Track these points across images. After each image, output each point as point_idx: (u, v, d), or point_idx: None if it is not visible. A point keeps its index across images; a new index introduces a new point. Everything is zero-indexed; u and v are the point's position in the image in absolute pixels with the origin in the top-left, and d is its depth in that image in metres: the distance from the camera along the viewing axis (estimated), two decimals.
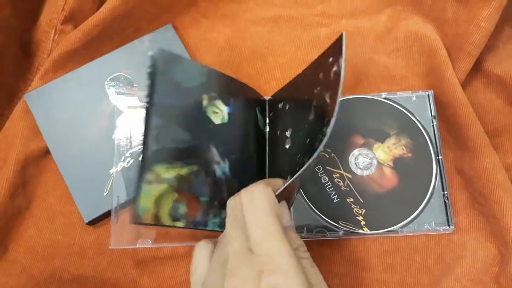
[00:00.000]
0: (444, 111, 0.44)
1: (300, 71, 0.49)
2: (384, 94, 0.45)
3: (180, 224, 0.34)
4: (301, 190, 0.43)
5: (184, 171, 0.35)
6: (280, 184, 0.33)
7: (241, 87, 0.42)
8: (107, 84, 0.47)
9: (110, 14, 0.47)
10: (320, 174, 0.43)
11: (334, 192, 0.43)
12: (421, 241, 0.42)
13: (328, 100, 0.33)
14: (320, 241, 0.42)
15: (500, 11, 0.43)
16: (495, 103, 0.45)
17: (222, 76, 0.40)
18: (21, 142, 0.45)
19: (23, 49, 0.50)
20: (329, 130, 0.30)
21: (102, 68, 0.47)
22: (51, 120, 0.45)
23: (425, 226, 0.41)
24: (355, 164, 0.44)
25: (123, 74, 0.47)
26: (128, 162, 0.43)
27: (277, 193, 0.31)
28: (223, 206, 0.37)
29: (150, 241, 0.41)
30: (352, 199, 0.42)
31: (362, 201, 0.42)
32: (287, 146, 0.39)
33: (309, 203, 0.42)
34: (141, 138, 0.34)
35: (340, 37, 0.33)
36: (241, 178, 0.39)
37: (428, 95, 0.45)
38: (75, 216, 0.44)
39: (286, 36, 0.50)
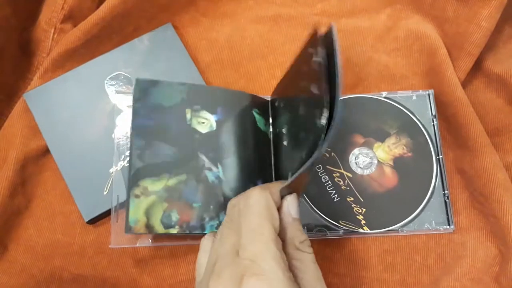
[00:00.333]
0: (444, 110, 0.44)
1: None
2: (384, 94, 0.45)
3: (173, 230, 0.37)
4: None
5: (172, 181, 0.38)
6: (278, 186, 0.32)
7: (229, 93, 0.42)
8: (106, 83, 0.47)
9: (110, 13, 0.46)
10: (320, 174, 0.43)
11: (334, 191, 0.43)
12: (421, 240, 0.42)
13: (316, 92, 0.32)
14: (320, 240, 0.42)
15: (501, 10, 0.43)
16: (496, 102, 0.45)
17: (203, 88, 0.43)
18: (21, 141, 0.45)
19: (23, 48, 0.50)
20: (332, 130, 0.29)
21: (102, 67, 0.47)
22: (50, 119, 0.45)
23: (425, 226, 0.41)
24: (356, 163, 0.43)
25: (123, 73, 0.47)
26: (128, 161, 0.43)
27: (285, 184, 0.31)
28: (221, 208, 0.38)
29: (150, 240, 0.41)
30: (352, 198, 0.42)
31: (362, 200, 0.42)
32: (285, 143, 0.39)
33: (309, 202, 0.42)
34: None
35: (314, 28, 0.33)
36: (240, 180, 0.40)
37: (429, 94, 0.45)
38: (75, 215, 0.44)
39: (286, 35, 0.50)
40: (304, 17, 0.51)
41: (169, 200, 0.37)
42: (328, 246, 0.42)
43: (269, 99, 0.44)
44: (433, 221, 0.41)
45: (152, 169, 0.38)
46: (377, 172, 0.43)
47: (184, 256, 0.43)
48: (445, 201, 0.42)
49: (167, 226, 0.37)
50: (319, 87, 0.32)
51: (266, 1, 0.51)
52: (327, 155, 0.44)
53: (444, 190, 0.42)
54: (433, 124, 0.44)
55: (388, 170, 0.43)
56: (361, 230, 0.41)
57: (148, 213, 0.37)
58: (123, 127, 0.44)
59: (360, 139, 0.44)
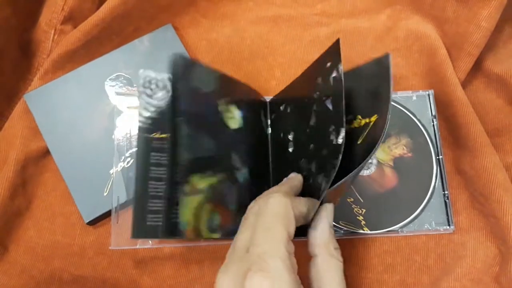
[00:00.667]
0: (444, 110, 0.44)
1: (300, 70, 0.49)
2: None
3: (216, 235, 0.33)
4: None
5: (214, 180, 0.34)
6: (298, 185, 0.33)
7: (247, 90, 0.42)
8: (106, 84, 0.47)
9: (110, 14, 0.47)
10: None
11: None
12: (421, 241, 0.42)
13: (330, 107, 0.33)
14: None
15: (501, 10, 0.43)
16: (496, 102, 0.45)
17: (232, 80, 0.40)
18: (21, 142, 0.45)
19: (23, 49, 0.50)
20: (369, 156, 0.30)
21: (102, 68, 0.47)
22: (51, 120, 0.45)
23: (425, 226, 0.41)
24: None
25: (123, 74, 0.47)
26: (128, 162, 0.43)
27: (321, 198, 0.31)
28: None
29: (150, 242, 0.41)
30: (352, 199, 0.42)
31: (362, 201, 0.42)
32: (290, 150, 0.39)
33: None
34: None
35: (337, 41, 0.33)
36: (260, 183, 0.38)
37: (429, 95, 0.45)
38: (75, 216, 0.44)
39: (286, 36, 0.50)
40: (304, 17, 0.51)
41: (213, 201, 0.33)
42: None
43: (267, 100, 0.44)
44: (433, 222, 0.41)
45: (199, 163, 0.33)
46: (377, 173, 0.43)
47: (184, 257, 0.43)
48: (445, 201, 0.42)
49: (212, 230, 0.33)
50: (336, 105, 0.32)
51: (266, 2, 0.51)
52: None
53: (444, 191, 0.42)
54: (433, 125, 0.44)
55: (388, 171, 0.43)
56: (361, 231, 0.41)
57: (196, 214, 0.32)
58: (123, 128, 0.44)
59: None
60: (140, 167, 0.35)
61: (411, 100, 0.45)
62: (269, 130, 0.42)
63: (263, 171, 0.40)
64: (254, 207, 0.31)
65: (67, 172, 0.44)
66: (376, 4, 0.50)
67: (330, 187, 0.31)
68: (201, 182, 0.33)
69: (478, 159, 0.41)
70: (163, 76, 0.38)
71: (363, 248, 0.42)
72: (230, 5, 0.52)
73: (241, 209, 0.35)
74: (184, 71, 0.34)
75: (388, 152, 0.44)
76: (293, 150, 0.38)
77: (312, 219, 0.32)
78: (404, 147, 0.44)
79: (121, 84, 0.47)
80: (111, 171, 0.44)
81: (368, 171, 0.43)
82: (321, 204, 0.32)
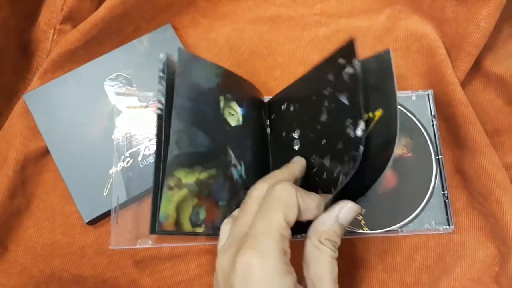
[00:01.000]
0: (443, 110, 0.44)
1: (299, 70, 0.49)
2: None
3: (199, 229, 0.33)
4: None
5: (203, 175, 0.34)
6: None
7: (249, 87, 0.42)
8: (106, 84, 0.47)
9: (109, 14, 0.47)
10: None
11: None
12: (421, 240, 0.42)
13: (346, 102, 0.34)
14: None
15: (500, 10, 0.43)
16: (495, 102, 0.45)
17: (234, 76, 0.40)
18: (21, 142, 0.45)
19: (22, 49, 0.50)
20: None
21: (101, 68, 0.47)
22: (50, 120, 0.45)
23: (425, 226, 0.41)
24: None
25: (123, 74, 0.47)
26: (128, 162, 0.43)
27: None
28: None
29: (150, 241, 0.41)
30: None
31: (362, 200, 0.42)
32: (296, 148, 0.39)
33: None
34: (154, 141, 0.33)
35: (351, 40, 0.34)
36: (255, 181, 0.38)
37: (428, 95, 0.45)
38: (75, 216, 0.44)
39: (286, 36, 0.50)
40: (304, 17, 0.51)
41: (199, 196, 0.33)
42: None
43: (265, 100, 0.44)
44: (432, 221, 0.41)
45: (187, 159, 0.33)
46: None
47: (184, 257, 0.43)
48: (444, 201, 0.42)
49: (194, 224, 0.33)
50: (353, 99, 0.33)
51: (265, 1, 0.51)
52: None
53: (443, 190, 0.42)
54: (433, 124, 0.44)
55: (387, 171, 0.43)
56: (360, 231, 0.41)
57: (179, 208, 0.32)
58: (122, 128, 0.44)
59: None
60: (158, 157, 0.34)
61: (411, 100, 0.45)
62: (268, 130, 0.42)
63: (262, 169, 0.40)
64: (255, 192, 0.31)
65: (66, 172, 0.44)
66: (375, 4, 0.50)
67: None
68: (188, 177, 0.33)
69: (477, 159, 0.41)
70: None
71: (363, 247, 0.42)
72: (230, 5, 0.52)
73: (233, 206, 0.35)
74: (183, 66, 0.34)
75: None
76: (299, 148, 0.38)
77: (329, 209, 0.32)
78: (404, 147, 0.44)
79: (121, 84, 0.47)
80: (110, 171, 0.44)
81: None
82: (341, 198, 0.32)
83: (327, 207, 0.32)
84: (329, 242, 0.30)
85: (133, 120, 0.44)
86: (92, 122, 0.45)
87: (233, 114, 0.38)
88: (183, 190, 0.33)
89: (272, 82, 0.48)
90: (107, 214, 0.43)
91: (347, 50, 0.34)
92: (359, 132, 0.32)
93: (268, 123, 0.43)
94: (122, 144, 0.43)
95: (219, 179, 0.35)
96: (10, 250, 0.43)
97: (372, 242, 0.42)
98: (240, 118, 0.38)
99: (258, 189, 0.32)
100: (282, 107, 0.42)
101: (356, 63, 0.33)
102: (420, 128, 0.44)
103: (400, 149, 0.44)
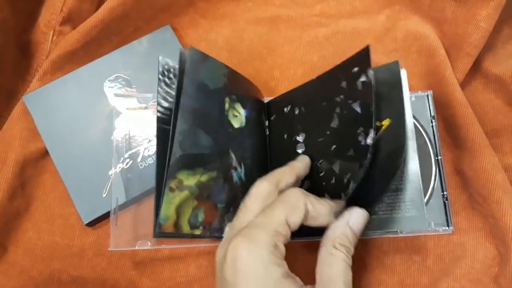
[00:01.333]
0: (443, 111, 0.44)
1: (299, 71, 0.49)
2: None
3: (198, 231, 0.33)
4: None
5: (204, 177, 0.34)
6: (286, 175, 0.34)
7: (252, 88, 0.42)
8: (105, 85, 0.47)
9: (109, 15, 0.47)
10: None
11: None
12: (420, 241, 0.42)
13: (358, 110, 0.34)
14: (319, 243, 0.42)
15: (499, 11, 0.43)
16: (494, 103, 0.45)
17: (239, 76, 0.39)
18: (20, 144, 0.45)
19: (22, 50, 0.50)
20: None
21: (101, 69, 0.47)
22: (49, 121, 0.45)
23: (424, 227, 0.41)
24: None
25: (122, 75, 0.47)
26: (127, 163, 0.43)
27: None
28: None
29: (149, 243, 0.41)
30: None
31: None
32: (299, 151, 0.39)
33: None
34: (153, 142, 0.33)
35: (367, 48, 0.34)
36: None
37: (427, 95, 0.45)
38: (74, 218, 0.44)
39: (285, 37, 0.50)
40: (303, 18, 0.51)
41: (199, 198, 0.33)
42: None
43: (264, 101, 0.44)
44: (432, 222, 0.41)
45: (190, 161, 0.33)
46: None
47: (183, 258, 0.43)
48: (444, 202, 0.42)
49: (193, 226, 0.33)
50: (365, 108, 0.33)
51: (265, 2, 0.51)
52: None
53: (443, 191, 0.42)
54: (432, 125, 0.44)
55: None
56: None
57: (179, 210, 0.32)
58: (122, 129, 0.44)
59: None
60: (161, 160, 0.34)
61: (410, 100, 0.45)
62: (267, 131, 0.42)
63: (262, 171, 0.40)
64: (254, 190, 0.32)
65: (66, 174, 0.44)
66: (375, 4, 0.50)
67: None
68: (190, 179, 0.33)
69: (477, 160, 0.41)
70: None
71: (362, 249, 0.42)
72: (229, 6, 0.52)
73: (231, 208, 0.35)
74: (193, 66, 0.34)
75: None
76: (304, 151, 0.39)
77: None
78: None
79: (120, 85, 0.47)
80: (110, 172, 0.44)
81: None
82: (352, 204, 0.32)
83: (338, 214, 0.32)
84: (343, 247, 0.30)
85: (133, 121, 0.44)
86: (91, 124, 0.45)
87: (237, 116, 0.38)
88: (184, 192, 0.32)
89: (272, 82, 0.48)
90: (106, 216, 0.43)
91: (362, 58, 0.35)
92: (369, 141, 0.32)
93: (267, 124, 0.43)
94: (121, 145, 0.43)
95: (219, 181, 0.35)
96: (10, 252, 0.43)
97: (371, 243, 0.42)
98: (243, 120, 0.38)
99: (258, 187, 0.32)
100: (285, 109, 0.41)
101: (371, 72, 0.34)
102: (419, 129, 0.44)
103: None
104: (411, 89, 0.46)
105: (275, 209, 0.30)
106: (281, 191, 0.32)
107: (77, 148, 0.44)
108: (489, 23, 0.43)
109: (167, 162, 0.32)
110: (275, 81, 0.48)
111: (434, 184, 0.42)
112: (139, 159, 0.44)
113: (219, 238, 0.34)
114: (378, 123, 0.35)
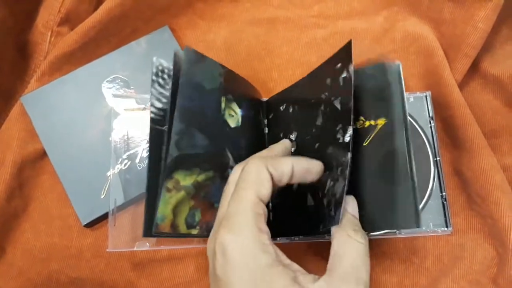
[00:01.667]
0: (441, 112, 0.44)
1: (297, 72, 0.49)
2: None
3: (194, 231, 0.33)
4: None
5: (201, 177, 0.34)
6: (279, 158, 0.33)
7: (249, 87, 0.42)
8: (103, 86, 0.47)
9: (107, 16, 0.46)
10: None
11: None
12: (419, 242, 0.42)
13: (338, 107, 0.34)
14: (318, 243, 0.42)
15: (497, 11, 0.43)
16: (493, 104, 0.45)
17: (236, 76, 0.40)
18: (18, 144, 0.45)
19: (20, 51, 0.50)
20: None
21: (99, 70, 0.47)
22: (48, 122, 0.45)
23: (423, 228, 0.41)
24: None
25: (120, 76, 0.47)
26: (125, 164, 0.43)
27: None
28: None
29: (147, 244, 0.41)
30: None
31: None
32: (292, 150, 0.39)
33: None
34: (146, 142, 0.33)
35: (349, 43, 0.34)
36: None
37: (426, 96, 0.45)
38: (72, 219, 0.44)
39: (283, 37, 0.50)
40: (301, 19, 0.51)
41: (195, 198, 0.33)
42: (326, 249, 0.42)
43: (263, 100, 0.44)
44: (430, 223, 0.41)
45: (186, 161, 0.33)
46: None
47: (182, 259, 0.43)
48: (442, 203, 0.42)
49: (190, 226, 0.33)
50: (344, 104, 0.33)
51: (263, 3, 0.51)
52: None
53: (441, 192, 0.42)
54: (431, 126, 0.44)
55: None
56: None
57: (175, 209, 0.32)
58: (120, 130, 0.44)
59: None
60: (153, 161, 0.34)
61: (409, 101, 0.45)
62: (266, 130, 0.42)
63: None
64: (232, 176, 0.32)
65: (64, 174, 0.44)
66: (373, 5, 0.50)
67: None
68: (186, 179, 0.33)
69: (475, 161, 0.41)
70: None
71: None
72: (227, 7, 0.52)
73: None
74: (189, 66, 0.34)
75: None
76: (295, 150, 0.38)
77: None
78: None
79: (118, 86, 0.47)
80: (108, 173, 0.44)
81: None
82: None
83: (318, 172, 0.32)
84: (357, 233, 0.30)
85: (131, 122, 0.44)
86: (89, 125, 0.45)
87: (233, 116, 0.38)
88: (181, 192, 0.33)
89: (270, 83, 0.48)
90: (104, 217, 0.43)
91: (344, 54, 0.34)
92: (347, 138, 0.31)
93: (266, 122, 0.43)
94: (119, 146, 0.43)
95: (216, 181, 0.35)
96: (7, 253, 0.43)
97: (370, 244, 0.42)
98: (240, 119, 0.38)
99: (234, 173, 0.32)
100: (281, 107, 0.42)
101: (351, 68, 0.33)
102: (418, 130, 0.44)
103: None
104: (409, 90, 0.46)
105: (243, 190, 0.29)
106: None
107: (75, 149, 0.44)
108: (487, 24, 0.43)
109: (163, 163, 0.32)
110: (273, 82, 0.48)
111: (432, 184, 0.42)
112: (137, 160, 0.44)
113: None
114: (373, 122, 0.34)
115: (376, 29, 0.49)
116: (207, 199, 0.34)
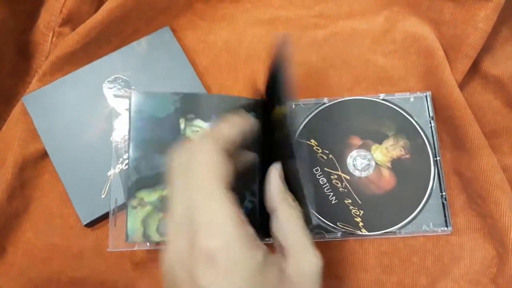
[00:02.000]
0: (442, 112, 0.44)
1: (297, 72, 0.49)
2: (382, 96, 0.45)
3: None
4: None
5: (166, 192, 0.37)
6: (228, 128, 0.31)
7: (224, 99, 0.42)
8: (105, 87, 0.47)
9: (108, 16, 0.47)
10: (318, 176, 0.43)
11: (332, 193, 0.43)
12: (419, 242, 0.42)
13: None
14: (318, 243, 0.42)
15: (498, 12, 0.43)
16: (493, 104, 0.45)
17: (197, 96, 0.42)
18: (19, 144, 0.45)
19: (21, 51, 0.50)
20: None
21: (100, 71, 0.47)
22: (49, 122, 0.45)
23: (423, 227, 0.41)
24: (353, 165, 0.43)
25: (121, 76, 0.47)
26: (126, 164, 0.43)
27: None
28: None
29: (148, 244, 0.41)
30: (350, 201, 0.42)
31: (360, 202, 0.42)
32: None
33: (307, 204, 0.42)
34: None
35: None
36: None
37: (426, 96, 0.45)
38: (73, 219, 0.44)
39: None
40: (302, 19, 0.51)
41: (163, 210, 0.37)
42: (326, 248, 0.42)
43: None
44: (430, 223, 0.41)
45: (148, 181, 0.38)
46: (375, 174, 0.43)
47: None
48: (442, 202, 0.42)
49: (163, 234, 0.37)
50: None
51: (263, 4, 0.51)
52: (325, 157, 0.44)
53: (441, 192, 0.42)
54: (431, 126, 0.44)
55: (386, 172, 0.43)
56: (359, 232, 0.41)
57: (145, 222, 0.37)
58: (121, 130, 0.44)
59: (357, 141, 0.44)
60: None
61: (409, 101, 0.45)
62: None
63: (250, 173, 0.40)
64: (175, 167, 0.29)
65: (65, 174, 0.44)
66: (373, 5, 0.50)
67: None
68: (151, 195, 0.37)
69: (475, 161, 0.41)
70: None
71: (361, 249, 0.42)
72: (228, 8, 0.52)
73: None
74: (137, 105, 0.39)
75: (386, 153, 0.44)
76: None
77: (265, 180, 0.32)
78: (402, 149, 0.44)
79: (119, 86, 0.47)
80: (109, 173, 0.44)
81: (366, 172, 0.43)
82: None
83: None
84: (296, 203, 0.30)
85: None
86: (90, 125, 0.45)
87: (198, 131, 0.40)
88: (147, 207, 0.37)
89: None
90: (105, 216, 0.43)
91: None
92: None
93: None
94: (120, 146, 0.43)
95: None
96: (8, 253, 0.43)
97: (370, 244, 0.42)
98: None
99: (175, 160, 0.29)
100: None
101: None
102: (418, 130, 0.44)
103: (398, 150, 0.44)
104: (409, 90, 0.46)
105: (213, 185, 0.26)
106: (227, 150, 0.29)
107: (76, 149, 0.45)
108: (488, 24, 0.43)
109: (123, 185, 0.39)
110: None
111: (433, 184, 0.42)
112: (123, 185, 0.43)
113: None
114: (280, 109, 0.35)
115: (376, 29, 0.49)
116: None
